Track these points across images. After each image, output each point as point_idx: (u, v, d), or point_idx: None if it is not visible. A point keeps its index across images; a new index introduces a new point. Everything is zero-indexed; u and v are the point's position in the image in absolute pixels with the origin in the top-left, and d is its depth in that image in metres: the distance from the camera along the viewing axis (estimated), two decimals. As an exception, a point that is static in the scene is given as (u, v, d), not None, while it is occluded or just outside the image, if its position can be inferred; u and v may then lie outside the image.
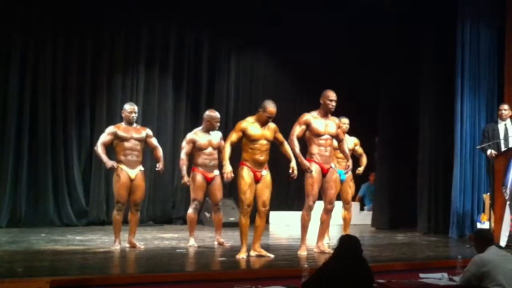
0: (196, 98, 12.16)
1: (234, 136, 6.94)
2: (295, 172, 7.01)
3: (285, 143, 7.17)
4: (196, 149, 8.05)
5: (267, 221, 11.82)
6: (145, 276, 5.65)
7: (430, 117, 10.58)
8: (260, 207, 6.98)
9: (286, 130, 7.29)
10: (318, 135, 7.24)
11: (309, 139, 7.26)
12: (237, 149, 7.04)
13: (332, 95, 7.33)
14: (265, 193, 6.98)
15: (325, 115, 7.34)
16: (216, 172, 8.11)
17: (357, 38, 12.67)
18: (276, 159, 11.72)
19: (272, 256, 6.94)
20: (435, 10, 10.58)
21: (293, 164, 7.03)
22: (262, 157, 6.94)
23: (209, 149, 8.05)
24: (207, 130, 8.05)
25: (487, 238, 5.38)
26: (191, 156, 8.15)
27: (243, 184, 6.87)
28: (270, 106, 6.98)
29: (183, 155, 8.08)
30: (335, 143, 7.66)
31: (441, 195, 10.32)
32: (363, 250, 4.53)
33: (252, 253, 6.94)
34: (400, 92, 11.51)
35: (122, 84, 11.34)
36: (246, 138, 6.93)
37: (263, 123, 6.99)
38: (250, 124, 6.97)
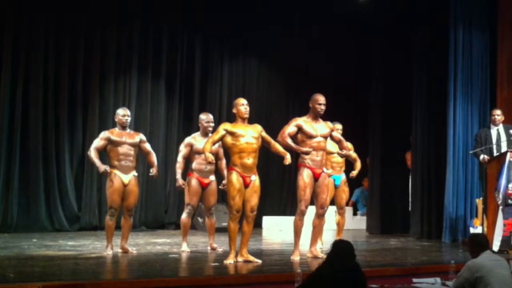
0: (189, 102, 12.15)
1: (216, 136, 6.93)
2: (289, 160, 6.93)
3: (273, 142, 7.11)
4: (192, 153, 8.04)
5: (260, 226, 11.90)
6: (137, 281, 5.62)
7: (422, 122, 10.59)
8: (248, 212, 6.95)
9: (277, 134, 7.25)
10: (311, 136, 7.22)
11: (302, 142, 7.24)
12: (227, 156, 6.98)
13: (321, 98, 7.33)
14: (254, 199, 6.94)
15: (315, 118, 7.34)
16: (212, 177, 8.09)
17: (349, 42, 12.72)
18: (268, 164, 11.86)
19: (259, 261, 6.91)
20: (426, 16, 10.61)
21: (288, 156, 6.97)
22: (249, 160, 6.88)
23: None
24: (205, 135, 8.03)
25: (481, 243, 5.37)
26: (188, 161, 8.14)
27: (232, 189, 6.84)
28: (239, 100, 7.04)
29: (179, 158, 8.07)
30: (328, 148, 7.68)
31: (434, 200, 10.33)
32: (356, 255, 4.52)
33: (240, 258, 6.91)
34: (392, 96, 11.52)
35: (114, 89, 11.32)
36: (231, 137, 6.88)
37: (243, 120, 6.99)
38: (231, 126, 6.98)
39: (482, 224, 8.67)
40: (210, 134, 7.74)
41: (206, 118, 8.16)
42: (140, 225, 11.17)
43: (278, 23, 12.54)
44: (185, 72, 12.15)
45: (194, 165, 8.04)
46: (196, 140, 8.07)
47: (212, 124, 8.14)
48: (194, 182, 7.99)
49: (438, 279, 6.25)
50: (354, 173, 8.89)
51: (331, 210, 8.87)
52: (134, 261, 7.09)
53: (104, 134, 7.76)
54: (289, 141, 7.16)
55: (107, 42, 11.26)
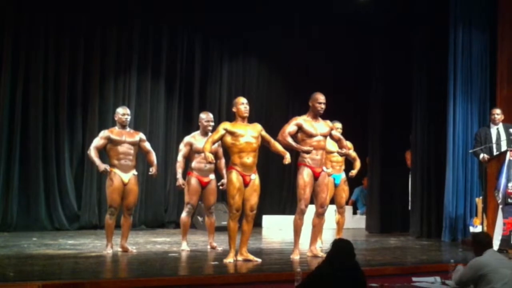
0: (189, 102, 12.16)
1: (216, 135, 6.92)
2: (288, 160, 6.94)
3: (273, 141, 7.12)
4: (192, 153, 8.05)
5: (260, 225, 11.90)
6: (137, 280, 5.62)
7: (422, 121, 10.59)
8: (247, 211, 6.95)
9: (277, 133, 7.25)
10: (311, 135, 7.21)
11: (302, 141, 7.24)
12: (226, 156, 6.98)
13: (320, 97, 7.33)
14: (253, 198, 6.95)
15: (314, 117, 7.34)
16: (212, 176, 8.10)
17: (349, 42, 12.72)
18: (268, 164, 11.86)
19: (259, 260, 6.92)
20: (426, 16, 10.62)
21: (288, 156, 6.98)
22: (249, 160, 6.89)
23: None
24: (205, 134, 8.04)
25: (481, 242, 5.37)
26: (187, 160, 8.14)
27: (231, 188, 6.85)
28: (239, 99, 7.04)
29: (179, 158, 8.08)
30: (328, 147, 7.69)
31: (434, 199, 10.33)
32: (356, 254, 4.52)
33: (239, 257, 6.92)
34: (392, 96, 11.52)
35: (114, 88, 11.32)
36: (231, 136, 6.89)
37: (243, 120, 6.99)
38: (231, 125, 6.98)
39: (482, 223, 8.67)
40: (210, 133, 7.75)
41: (206, 117, 8.17)
42: (140, 224, 11.18)
43: (278, 23, 12.54)
44: (185, 72, 12.15)
45: (193, 164, 8.05)
46: (195, 139, 8.08)
47: (212, 123, 8.15)
48: (193, 181, 8.00)
49: (438, 278, 6.25)
50: (353, 172, 8.88)
51: (331, 209, 8.88)
52: (134, 260, 7.09)
53: (104, 133, 7.76)
54: (290, 140, 7.16)
55: (107, 42, 11.27)
